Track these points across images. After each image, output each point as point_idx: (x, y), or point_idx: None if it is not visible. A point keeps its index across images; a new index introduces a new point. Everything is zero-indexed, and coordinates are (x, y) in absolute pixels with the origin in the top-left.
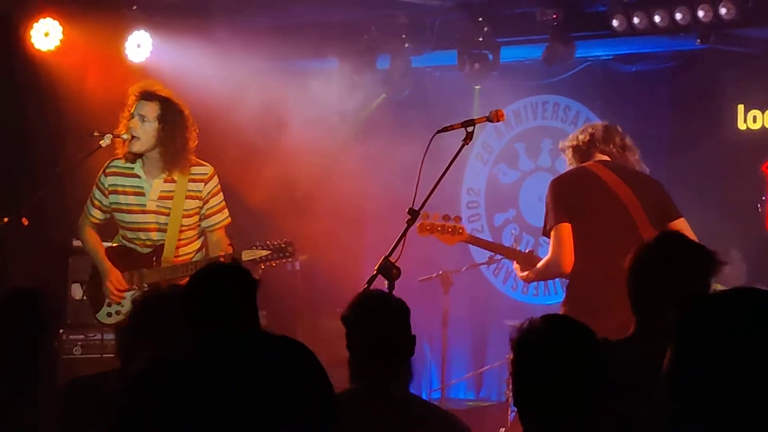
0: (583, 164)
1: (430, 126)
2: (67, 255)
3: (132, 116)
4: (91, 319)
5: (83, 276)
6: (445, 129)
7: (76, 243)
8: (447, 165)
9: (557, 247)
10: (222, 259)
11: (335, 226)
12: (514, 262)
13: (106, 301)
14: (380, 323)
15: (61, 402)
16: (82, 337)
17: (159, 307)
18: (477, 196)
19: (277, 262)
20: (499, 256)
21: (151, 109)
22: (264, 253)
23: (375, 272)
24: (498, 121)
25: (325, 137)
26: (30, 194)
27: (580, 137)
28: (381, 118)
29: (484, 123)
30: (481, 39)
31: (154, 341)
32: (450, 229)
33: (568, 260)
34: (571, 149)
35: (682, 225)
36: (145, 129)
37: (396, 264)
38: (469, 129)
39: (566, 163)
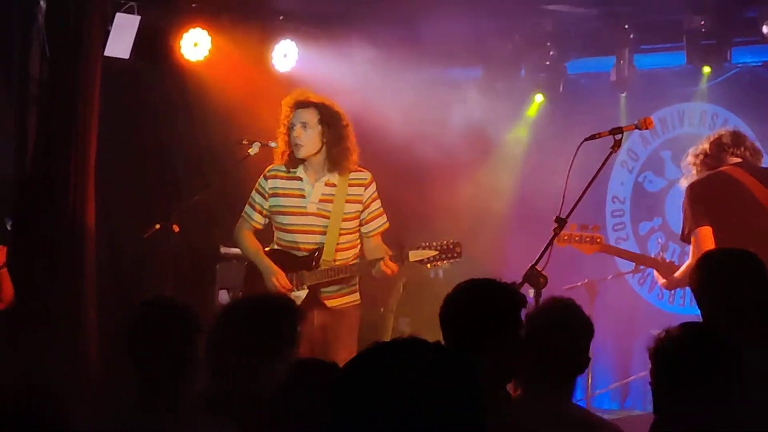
0: (719, 168)
1: (576, 134)
2: (214, 262)
3: (292, 125)
4: None
5: (231, 283)
6: (593, 137)
7: (224, 250)
8: (594, 173)
9: (699, 250)
10: (389, 259)
11: (478, 234)
12: (654, 272)
13: None
14: (566, 338)
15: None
16: None
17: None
18: (622, 204)
19: (444, 262)
20: (643, 266)
21: (311, 115)
22: (432, 253)
23: (521, 281)
24: (646, 128)
25: (469, 144)
26: (180, 201)
27: (707, 145)
28: (526, 125)
29: (631, 130)
30: (626, 46)
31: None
32: (588, 239)
33: None
34: (702, 156)
35: None
36: (308, 134)
37: (543, 272)
38: (617, 137)
39: (694, 171)
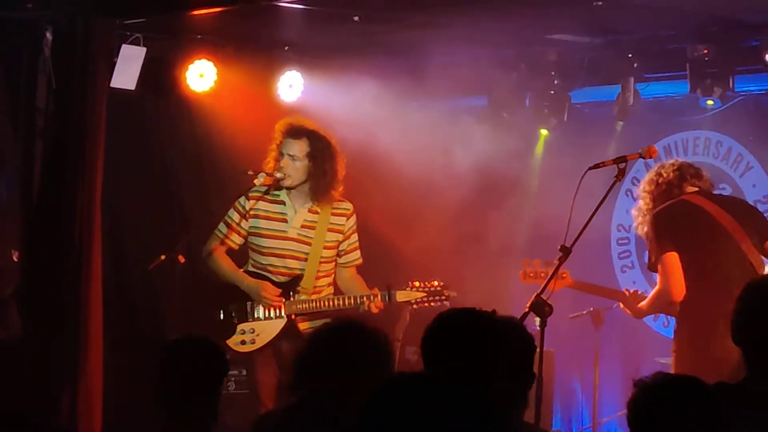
0: (681, 197)
1: (580, 163)
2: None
3: (281, 155)
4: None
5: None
6: (597, 166)
7: None
8: (599, 202)
9: (666, 276)
10: (374, 297)
11: (484, 263)
12: (620, 304)
13: (239, 329)
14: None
15: None
16: (236, 372)
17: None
18: (627, 232)
19: (431, 303)
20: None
21: (300, 148)
22: (419, 295)
23: (527, 309)
24: (650, 157)
25: (472, 174)
26: (185, 232)
27: (667, 174)
28: (531, 155)
29: (635, 159)
30: (631, 77)
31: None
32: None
33: (679, 289)
34: (665, 185)
35: None
36: (295, 167)
37: (548, 301)
38: (621, 165)
39: (648, 200)
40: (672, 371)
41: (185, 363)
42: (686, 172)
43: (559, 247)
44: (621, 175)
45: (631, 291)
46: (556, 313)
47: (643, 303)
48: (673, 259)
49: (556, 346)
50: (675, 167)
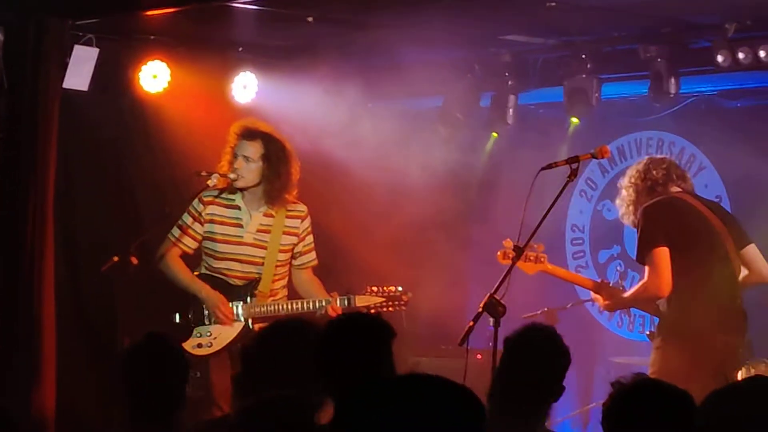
0: (671, 194)
1: (533, 163)
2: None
3: (236, 156)
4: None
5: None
6: (549, 166)
7: None
8: (551, 202)
9: (656, 270)
10: (333, 301)
11: (438, 264)
12: (593, 292)
13: (195, 332)
14: (539, 363)
15: None
16: (191, 374)
17: (286, 342)
18: (581, 232)
19: (389, 308)
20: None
21: (255, 149)
22: (378, 300)
23: (481, 309)
24: (602, 157)
25: (427, 176)
26: (138, 234)
27: (657, 171)
28: (485, 155)
29: (588, 159)
30: (584, 76)
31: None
32: (532, 258)
33: (667, 284)
34: (650, 182)
35: (754, 250)
36: (249, 168)
37: (501, 301)
38: (574, 166)
39: (634, 196)
40: (652, 367)
41: (146, 362)
42: (674, 172)
43: (512, 247)
44: (573, 175)
45: (606, 281)
46: (511, 312)
47: (627, 294)
48: (664, 254)
49: None
50: (664, 165)
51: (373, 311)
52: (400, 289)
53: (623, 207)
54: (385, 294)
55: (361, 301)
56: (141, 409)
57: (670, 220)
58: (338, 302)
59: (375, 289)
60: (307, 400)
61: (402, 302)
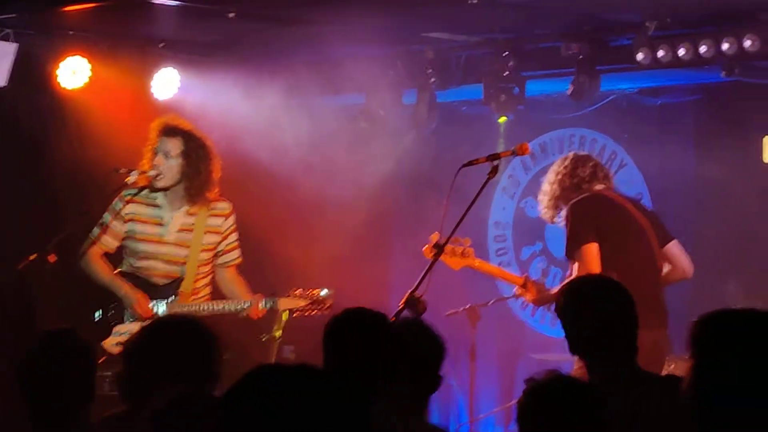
0: (596, 191)
1: (457, 160)
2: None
3: (156, 153)
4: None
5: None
6: (470, 163)
7: None
8: (473, 199)
9: (586, 266)
10: (256, 303)
11: (361, 260)
12: (517, 288)
13: (115, 330)
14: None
15: None
16: (110, 373)
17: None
18: (504, 230)
19: (312, 312)
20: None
21: (174, 146)
22: (302, 303)
23: (401, 306)
24: (523, 154)
25: (350, 173)
26: (57, 231)
27: (583, 169)
28: (407, 153)
29: (509, 156)
30: (506, 73)
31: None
32: (459, 252)
33: None
34: (577, 178)
35: (677, 246)
36: (169, 165)
37: (422, 298)
38: (494, 162)
39: (558, 194)
40: (577, 363)
41: (49, 356)
42: (599, 171)
43: (432, 244)
44: (494, 172)
45: (531, 277)
46: (432, 309)
47: (557, 289)
48: (594, 249)
49: None
50: (591, 164)
51: (296, 315)
52: (324, 292)
53: (545, 202)
54: (309, 297)
55: (284, 304)
56: (41, 407)
57: (598, 216)
58: (262, 304)
59: (299, 292)
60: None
61: (325, 306)
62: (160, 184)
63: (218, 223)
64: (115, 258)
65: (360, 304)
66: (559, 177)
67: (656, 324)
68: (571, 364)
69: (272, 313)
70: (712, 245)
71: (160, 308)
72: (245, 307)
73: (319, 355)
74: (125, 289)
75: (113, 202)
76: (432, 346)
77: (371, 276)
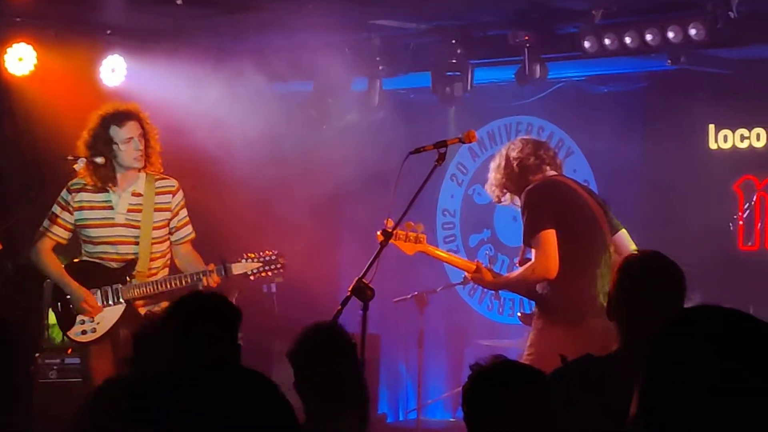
0: (551, 176)
1: (404, 148)
2: (42, 279)
3: (98, 139)
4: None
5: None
6: (418, 150)
7: None
8: (420, 186)
9: (545, 252)
10: (210, 272)
11: (309, 247)
12: (472, 273)
13: (78, 319)
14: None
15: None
16: (58, 361)
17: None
18: (452, 217)
19: (267, 273)
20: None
21: (131, 129)
22: (255, 265)
23: (349, 293)
24: (470, 141)
25: (297, 158)
26: (4, 219)
27: (530, 152)
28: (356, 140)
29: (457, 144)
30: (454, 61)
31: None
32: (412, 238)
33: (555, 265)
34: (525, 162)
35: (625, 235)
36: (127, 150)
37: (370, 285)
38: (441, 150)
39: (499, 174)
40: (531, 348)
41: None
42: (546, 155)
43: (380, 231)
44: (441, 159)
45: (482, 263)
46: (380, 296)
47: (513, 274)
48: (551, 236)
49: (381, 330)
50: (541, 150)
51: (252, 278)
52: (275, 252)
53: (493, 185)
54: (262, 259)
55: (238, 269)
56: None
57: (555, 202)
58: (216, 273)
59: (252, 255)
60: None
61: (279, 265)
62: (138, 165)
63: (167, 200)
64: (72, 247)
65: (310, 292)
66: (507, 164)
67: None
68: (518, 350)
69: (227, 281)
70: (659, 233)
71: (118, 292)
72: (200, 277)
73: (266, 342)
74: (70, 287)
75: (61, 194)
76: (343, 352)
77: (321, 263)
